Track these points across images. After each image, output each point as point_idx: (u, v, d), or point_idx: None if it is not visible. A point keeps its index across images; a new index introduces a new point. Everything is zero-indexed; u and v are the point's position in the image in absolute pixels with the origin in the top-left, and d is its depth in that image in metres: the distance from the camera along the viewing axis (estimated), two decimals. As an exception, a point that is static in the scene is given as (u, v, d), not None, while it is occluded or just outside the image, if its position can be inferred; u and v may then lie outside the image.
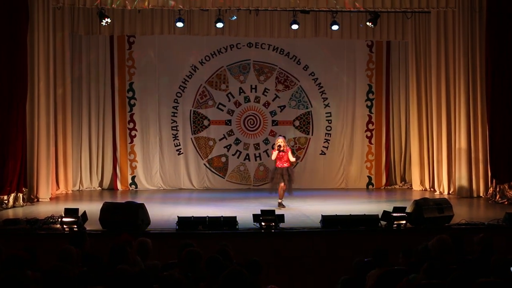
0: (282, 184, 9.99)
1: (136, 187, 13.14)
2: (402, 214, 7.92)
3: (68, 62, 12.25)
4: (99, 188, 13.04)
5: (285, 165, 10.06)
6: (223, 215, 7.96)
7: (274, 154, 10.11)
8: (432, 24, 12.13)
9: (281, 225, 7.81)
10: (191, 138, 13.38)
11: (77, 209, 7.73)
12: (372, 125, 13.67)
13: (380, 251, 5.14)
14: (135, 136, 13.21)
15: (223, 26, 12.25)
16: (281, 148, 10.03)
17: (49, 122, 11.06)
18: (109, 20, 11.81)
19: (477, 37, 11.24)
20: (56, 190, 11.79)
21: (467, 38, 11.33)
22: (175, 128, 13.33)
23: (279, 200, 9.98)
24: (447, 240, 5.12)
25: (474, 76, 11.33)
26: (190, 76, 13.32)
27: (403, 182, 13.70)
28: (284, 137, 10.82)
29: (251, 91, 13.46)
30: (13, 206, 9.99)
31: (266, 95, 13.48)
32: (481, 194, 11.37)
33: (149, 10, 11.99)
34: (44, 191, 10.93)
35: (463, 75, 11.40)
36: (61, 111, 12.15)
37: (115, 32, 12.57)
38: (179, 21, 12.02)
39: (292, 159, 10.32)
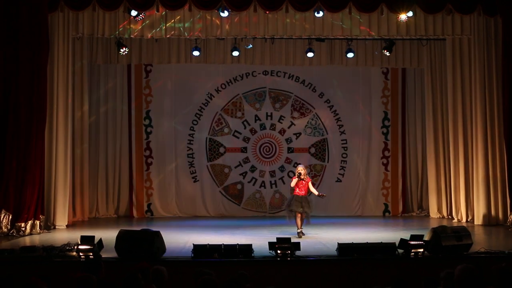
0: (299, 214, 9.91)
1: (152, 214, 13.17)
2: (420, 242, 7.81)
3: (86, 91, 12.44)
4: (115, 215, 13.09)
5: (303, 193, 10.00)
6: (239, 243, 7.91)
7: (294, 181, 10.03)
8: (448, 51, 12.14)
9: (297, 253, 7.74)
10: (207, 166, 13.42)
11: (93, 237, 7.74)
12: (388, 152, 13.62)
13: (401, 283, 5.03)
14: (151, 163, 13.28)
15: (239, 55, 12.41)
16: (301, 176, 9.97)
17: (67, 149, 11.18)
18: (126, 49, 12.03)
19: (493, 63, 11.22)
20: (73, 217, 11.86)
21: (483, 64, 11.32)
22: (191, 156, 13.39)
23: (298, 230, 9.85)
24: (474, 270, 4.99)
25: (491, 103, 11.28)
26: (206, 104, 13.43)
27: (420, 210, 13.57)
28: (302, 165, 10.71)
29: (266, 119, 13.52)
30: (30, 234, 10.05)
31: (281, 123, 13.52)
32: (500, 222, 11.21)
33: (166, 39, 12.18)
34: (61, 218, 10.99)
35: (479, 101, 11.35)
36: (78, 139, 12.31)
37: (132, 61, 12.78)
38: (196, 49, 12.19)
39: (315, 192, 10.18)
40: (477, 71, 11.37)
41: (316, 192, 10.20)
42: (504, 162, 11.00)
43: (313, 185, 10.47)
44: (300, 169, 10.05)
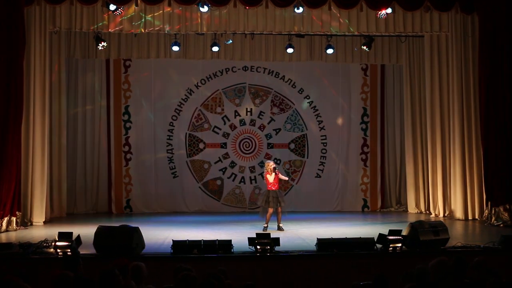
0: (272, 210, 10.02)
1: (131, 210, 13.08)
2: (398, 237, 7.89)
3: (64, 86, 12.30)
4: (94, 211, 12.97)
5: (276, 187, 10.11)
6: (218, 239, 7.91)
7: (272, 177, 10.09)
8: (426, 47, 12.26)
9: (277, 248, 7.77)
10: (187, 161, 13.37)
11: (71, 233, 7.66)
12: (367, 148, 13.71)
13: (382, 279, 5.05)
14: (130, 159, 13.19)
15: (218, 50, 12.37)
16: (276, 171, 10.12)
17: (44, 145, 11.04)
18: (105, 44, 11.87)
19: (470, 60, 11.38)
20: (50, 213, 11.72)
21: (460, 61, 11.46)
22: (170, 151, 13.33)
23: (265, 225, 10.02)
24: (447, 263, 5.06)
25: (468, 98, 11.43)
26: (185, 99, 13.37)
27: (398, 205, 13.70)
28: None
29: (246, 114, 13.51)
30: (6, 230, 9.91)
31: (261, 118, 13.53)
32: (476, 217, 11.38)
33: (145, 34, 12.09)
34: (38, 214, 10.86)
35: (457, 97, 11.50)
36: (56, 134, 12.16)
37: (111, 55, 12.65)
38: (175, 45, 12.11)
39: (285, 178, 10.78)
40: (455, 68, 11.51)
41: (286, 178, 10.83)
42: (481, 158, 11.15)
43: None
44: (272, 164, 10.15)
